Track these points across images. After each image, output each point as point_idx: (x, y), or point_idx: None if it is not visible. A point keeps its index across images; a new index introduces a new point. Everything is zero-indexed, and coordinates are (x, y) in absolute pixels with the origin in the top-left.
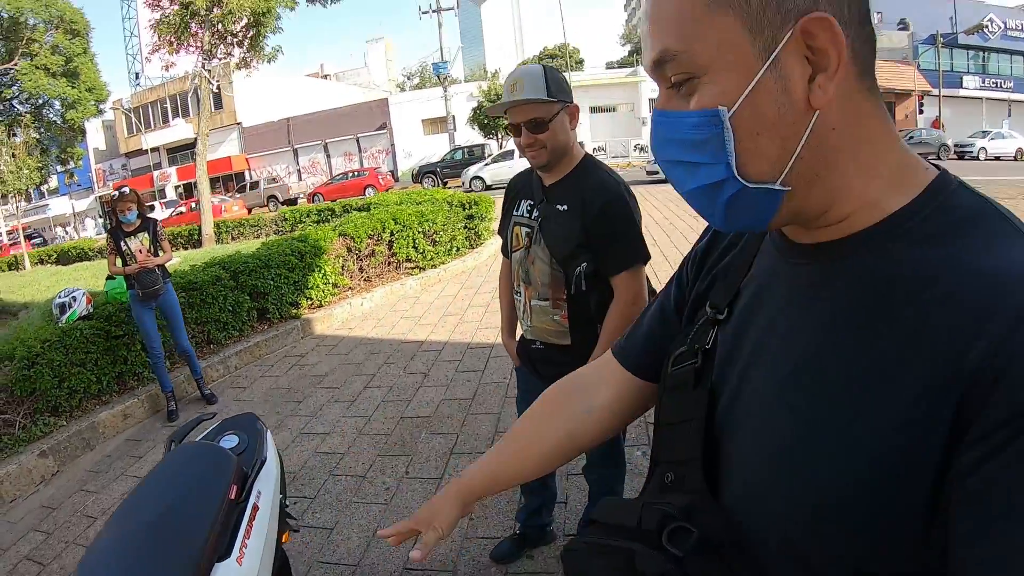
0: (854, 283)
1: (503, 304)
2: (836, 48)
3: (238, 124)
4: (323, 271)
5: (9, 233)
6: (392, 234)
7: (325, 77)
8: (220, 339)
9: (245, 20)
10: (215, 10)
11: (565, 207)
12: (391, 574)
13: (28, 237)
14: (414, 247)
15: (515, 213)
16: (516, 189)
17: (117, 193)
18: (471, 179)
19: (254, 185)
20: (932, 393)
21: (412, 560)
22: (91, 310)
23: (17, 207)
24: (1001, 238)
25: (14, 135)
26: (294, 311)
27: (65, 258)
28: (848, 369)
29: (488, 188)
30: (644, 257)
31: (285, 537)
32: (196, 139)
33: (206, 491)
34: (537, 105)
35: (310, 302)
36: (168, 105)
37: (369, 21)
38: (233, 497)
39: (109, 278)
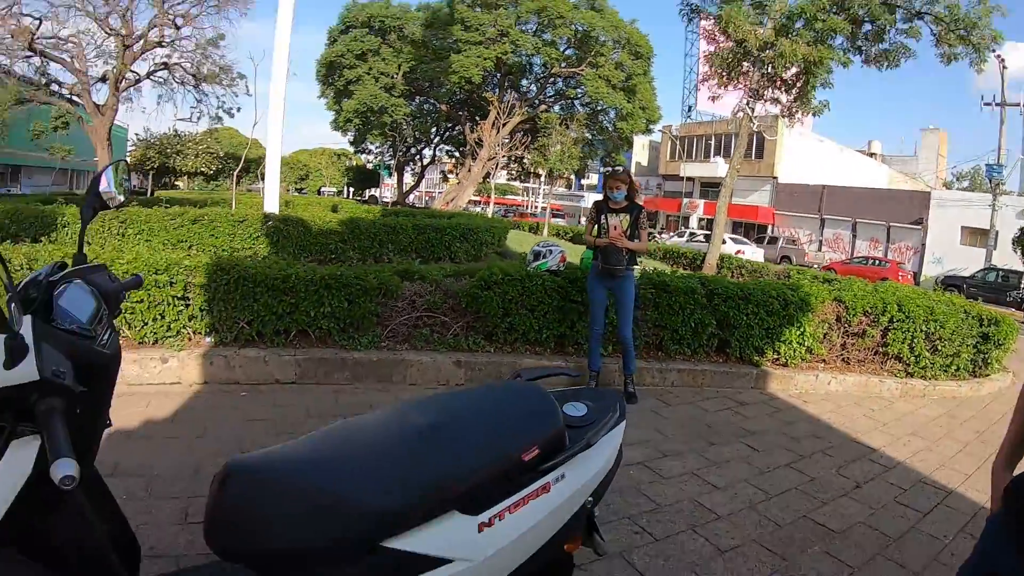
0: None
1: (1013, 425)
2: None
3: (774, 178)
4: (802, 329)
5: (542, 209)
6: (891, 320)
7: (871, 155)
8: (669, 350)
9: (795, 68)
10: (767, 51)
11: None
12: None
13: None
14: (910, 346)
15: None
16: None
17: (611, 170)
18: None
19: (772, 240)
20: None
21: None
22: (562, 268)
23: (551, 187)
24: None
25: (568, 128)
26: (755, 358)
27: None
28: None
29: None
30: None
31: (572, 545)
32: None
33: (500, 432)
34: None
35: (776, 356)
36: (712, 142)
37: (927, 110)
38: (526, 458)
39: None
